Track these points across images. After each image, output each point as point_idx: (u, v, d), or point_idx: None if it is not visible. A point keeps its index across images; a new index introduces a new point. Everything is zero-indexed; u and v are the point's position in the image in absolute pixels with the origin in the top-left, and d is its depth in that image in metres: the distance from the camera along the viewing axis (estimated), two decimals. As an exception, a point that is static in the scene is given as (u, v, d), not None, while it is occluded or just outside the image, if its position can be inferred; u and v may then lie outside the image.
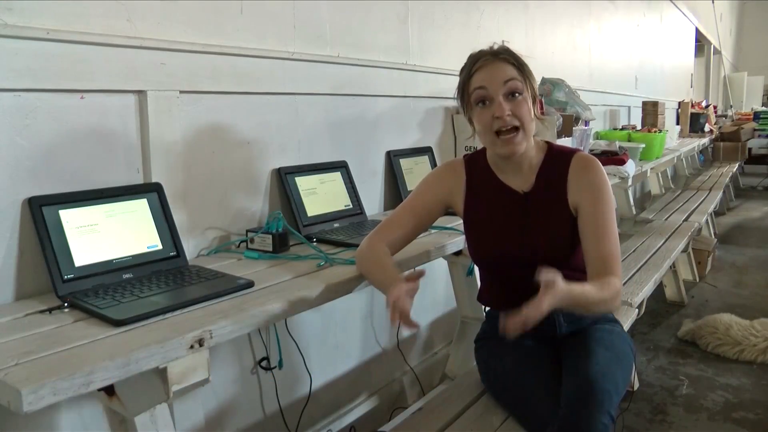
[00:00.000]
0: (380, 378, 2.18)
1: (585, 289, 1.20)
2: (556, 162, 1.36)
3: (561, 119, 2.47)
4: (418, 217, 1.43)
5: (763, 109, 9.41)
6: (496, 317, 1.47)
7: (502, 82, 1.27)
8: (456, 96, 1.36)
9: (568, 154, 1.37)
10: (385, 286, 1.24)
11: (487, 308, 1.55)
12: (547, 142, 1.42)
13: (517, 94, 1.27)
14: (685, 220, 3.84)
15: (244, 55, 1.55)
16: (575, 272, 1.35)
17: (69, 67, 1.20)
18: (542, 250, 1.35)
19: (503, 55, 1.29)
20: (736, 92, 11.16)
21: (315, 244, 1.54)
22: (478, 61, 1.30)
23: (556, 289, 1.07)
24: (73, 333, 0.97)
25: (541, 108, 2.43)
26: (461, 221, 1.46)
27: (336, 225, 1.74)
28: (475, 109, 1.31)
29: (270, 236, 1.46)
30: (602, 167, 1.36)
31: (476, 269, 1.84)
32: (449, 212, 1.48)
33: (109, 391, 0.99)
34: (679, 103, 6.75)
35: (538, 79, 2.84)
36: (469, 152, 1.46)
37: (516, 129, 1.28)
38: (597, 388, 1.17)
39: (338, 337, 1.98)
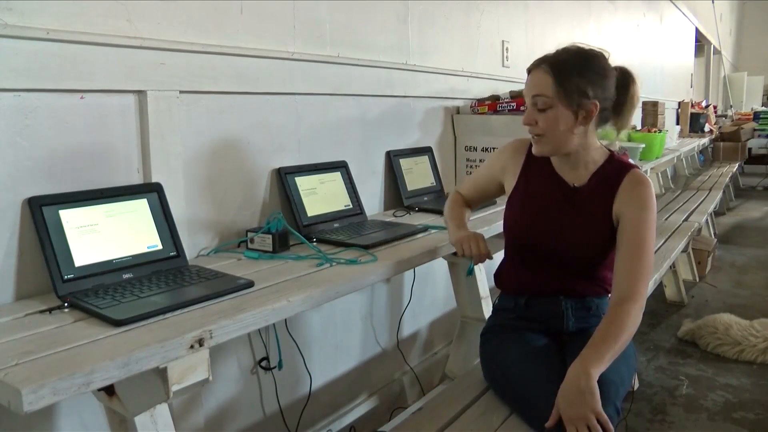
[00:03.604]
0: (380, 378, 2.18)
1: (603, 352, 1.21)
2: (614, 169, 1.39)
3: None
4: (479, 188, 1.62)
5: (763, 109, 9.39)
6: (505, 310, 1.48)
7: (531, 95, 1.33)
8: None
9: (627, 167, 1.40)
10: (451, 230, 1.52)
11: (496, 301, 1.56)
12: (611, 151, 1.43)
13: (545, 108, 1.31)
14: (685, 220, 3.83)
15: (244, 55, 1.55)
16: (597, 287, 1.39)
17: (69, 67, 1.20)
18: (576, 246, 1.38)
19: (544, 65, 1.32)
20: (736, 92, 11.15)
21: (315, 244, 1.54)
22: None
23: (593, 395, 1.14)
24: (73, 333, 0.97)
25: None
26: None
27: (336, 225, 1.74)
28: None
29: (270, 236, 1.46)
30: (653, 191, 1.39)
31: (476, 269, 1.85)
32: None
33: (109, 391, 0.99)
34: (679, 103, 6.74)
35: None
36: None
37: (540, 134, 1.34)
38: (603, 379, 1.18)
39: (338, 337, 1.98)
